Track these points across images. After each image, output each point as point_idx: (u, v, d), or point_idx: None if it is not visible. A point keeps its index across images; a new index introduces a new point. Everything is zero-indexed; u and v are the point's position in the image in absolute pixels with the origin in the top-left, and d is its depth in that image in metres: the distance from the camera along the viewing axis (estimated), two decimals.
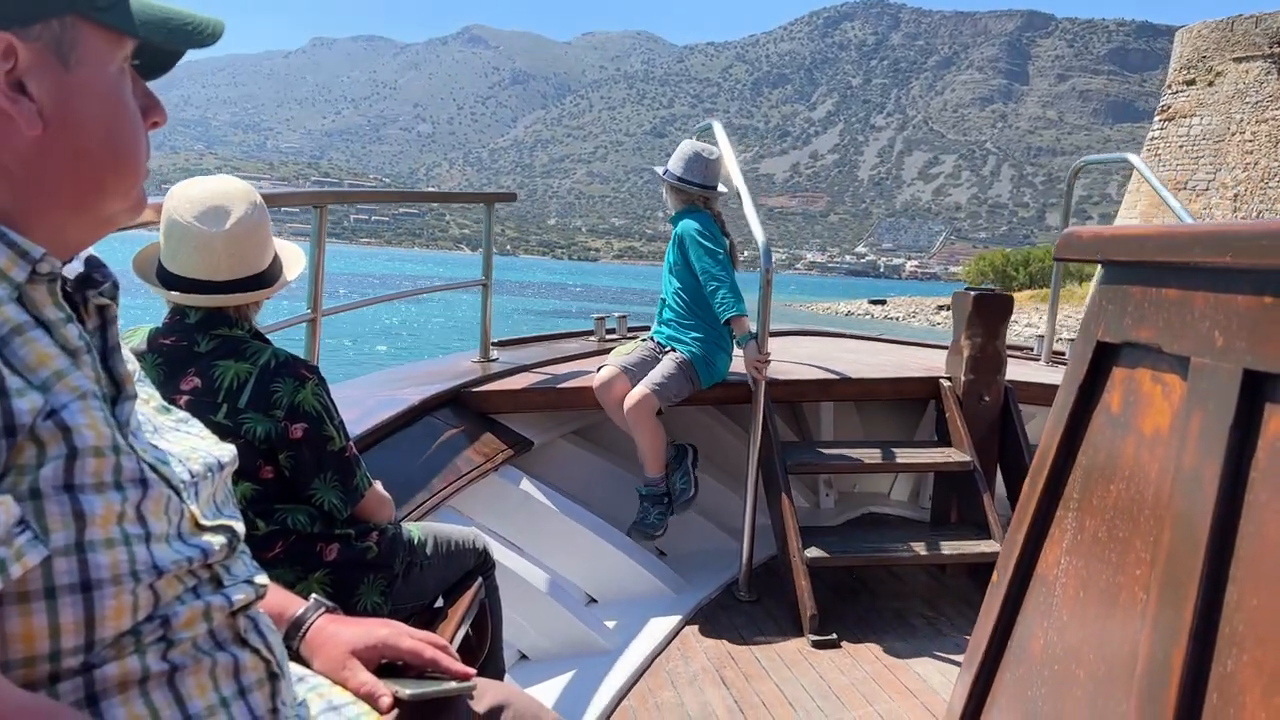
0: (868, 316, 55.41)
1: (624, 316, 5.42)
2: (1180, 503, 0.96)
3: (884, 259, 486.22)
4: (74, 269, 0.93)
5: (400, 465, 3.04)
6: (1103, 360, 1.19)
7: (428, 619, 2.11)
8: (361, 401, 3.29)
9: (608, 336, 5.26)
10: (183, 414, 1.10)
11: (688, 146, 4.05)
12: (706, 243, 3.82)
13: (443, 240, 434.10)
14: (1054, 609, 1.24)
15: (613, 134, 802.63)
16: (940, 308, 38.43)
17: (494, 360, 4.35)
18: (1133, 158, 5.04)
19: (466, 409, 3.72)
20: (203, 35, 0.91)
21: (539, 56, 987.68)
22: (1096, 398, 1.21)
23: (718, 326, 3.87)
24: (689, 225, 3.87)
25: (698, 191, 3.94)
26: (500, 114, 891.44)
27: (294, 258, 2.08)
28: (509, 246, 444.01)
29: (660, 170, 4.04)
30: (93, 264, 0.94)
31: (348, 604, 1.95)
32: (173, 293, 1.88)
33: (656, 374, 3.83)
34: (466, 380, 3.86)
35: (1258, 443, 0.89)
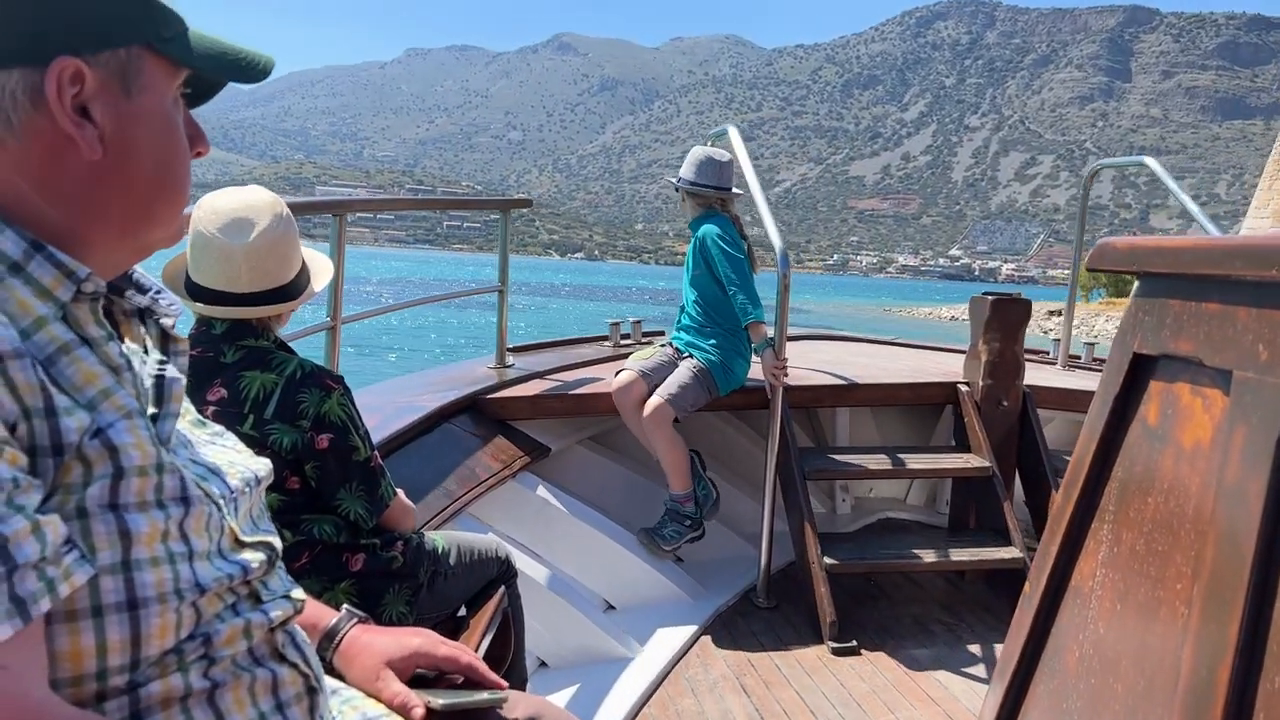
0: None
1: (639, 321, 5.40)
2: (1224, 517, 0.95)
3: (979, 262, 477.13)
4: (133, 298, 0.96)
5: (419, 472, 3.05)
6: (1139, 371, 1.18)
7: (451, 628, 2.11)
8: (379, 409, 3.28)
9: (623, 341, 5.24)
10: (217, 427, 1.10)
11: (699, 151, 4.05)
12: (727, 247, 3.81)
13: (532, 246, 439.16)
14: (1090, 621, 1.23)
15: (700, 139, 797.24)
16: (1051, 313, 37.18)
17: (510, 366, 4.34)
18: (1150, 161, 4.96)
19: (483, 415, 3.73)
20: (254, 70, 0.94)
21: (627, 63, 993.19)
22: (1133, 409, 1.20)
23: (737, 333, 3.85)
24: (710, 229, 3.86)
25: (714, 194, 3.94)
26: (589, 120, 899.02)
27: (322, 269, 2.07)
28: (596, 252, 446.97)
29: (674, 179, 4.04)
30: (147, 286, 0.98)
31: (373, 614, 1.94)
32: (198, 304, 1.89)
33: (673, 382, 3.81)
34: (483, 386, 3.85)
35: None
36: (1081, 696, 1.22)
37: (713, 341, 3.88)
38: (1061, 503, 1.30)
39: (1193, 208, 4.62)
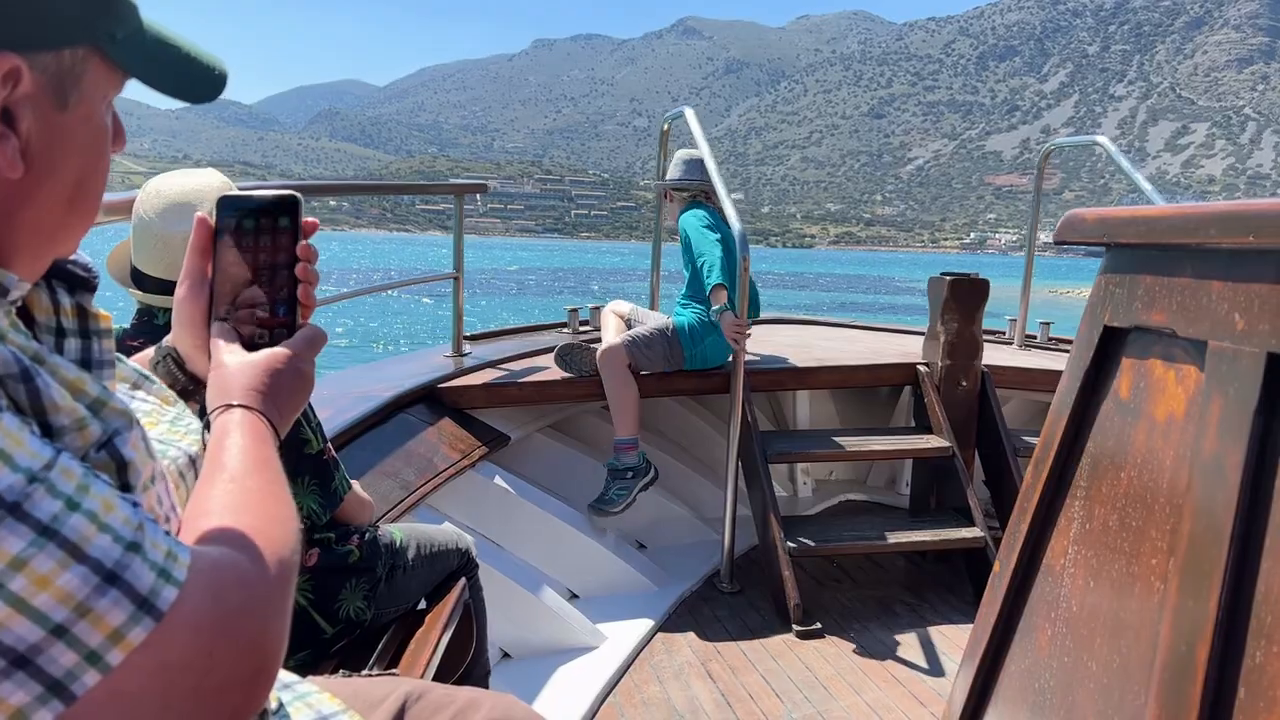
0: None
1: (599, 307, 5.24)
2: (1200, 491, 0.94)
3: None
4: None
5: (375, 464, 2.99)
6: (1110, 345, 1.17)
7: (411, 622, 2.07)
8: (333, 400, 3.21)
9: (581, 328, 5.20)
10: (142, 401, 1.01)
11: (680, 153, 4.28)
12: (701, 225, 3.94)
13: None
14: (1062, 600, 1.22)
15: (828, 117, 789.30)
16: None
17: (466, 354, 4.29)
18: (1102, 139, 5.06)
19: (441, 404, 3.67)
20: (203, 87, 0.83)
21: (752, 44, 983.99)
22: (1104, 384, 1.18)
23: (705, 317, 3.91)
24: (688, 216, 4.03)
25: (697, 186, 4.13)
26: (714, 104, 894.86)
27: None
28: None
29: (655, 183, 4.23)
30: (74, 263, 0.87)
31: (330, 610, 1.91)
32: (139, 291, 1.82)
33: (639, 331, 3.95)
34: (440, 375, 3.80)
35: None
36: (1055, 675, 1.21)
37: (691, 311, 3.96)
38: (1031, 480, 1.29)
39: (1146, 187, 4.61)
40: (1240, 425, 0.89)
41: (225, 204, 0.98)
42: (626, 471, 3.83)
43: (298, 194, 0.98)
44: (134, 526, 0.65)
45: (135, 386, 0.97)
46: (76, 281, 0.85)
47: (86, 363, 0.82)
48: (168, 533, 0.68)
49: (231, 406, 0.91)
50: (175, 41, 0.81)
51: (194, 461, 0.94)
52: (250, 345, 0.97)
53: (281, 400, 0.95)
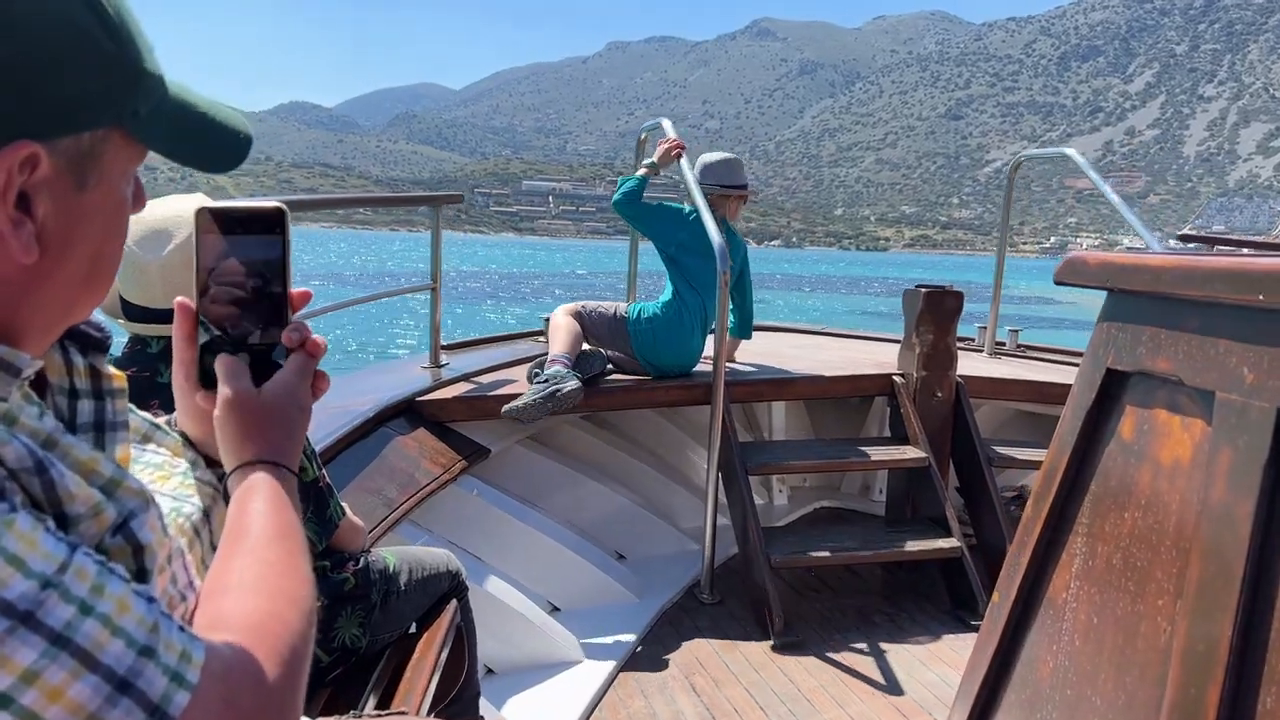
0: None
1: None
2: (1209, 536, 0.95)
3: None
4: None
5: (357, 480, 2.97)
6: (1111, 387, 1.18)
7: (405, 647, 2.06)
8: (311, 416, 3.00)
9: None
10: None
11: (703, 159, 4.33)
12: (676, 208, 4.10)
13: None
14: (1064, 633, 1.22)
15: (904, 119, 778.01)
16: None
17: (444, 365, 4.25)
18: (1071, 152, 5.06)
19: (420, 418, 3.64)
20: (225, 157, 0.81)
21: (827, 45, 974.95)
22: (1106, 424, 1.19)
23: (675, 306, 3.99)
24: (672, 207, 4.17)
25: (710, 191, 4.15)
26: (787, 105, 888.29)
27: None
28: (794, 239, 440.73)
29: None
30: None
31: (326, 638, 1.89)
32: (127, 321, 1.80)
33: (595, 303, 4.10)
34: (418, 388, 3.76)
35: None
36: (1057, 708, 1.21)
37: (650, 304, 4.06)
38: (1032, 514, 1.30)
39: (1114, 198, 4.62)
40: (1250, 476, 0.90)
41: (205, 216, 0.91)
42: (546, 380, 3.69)
43: (284, 206, 0.92)
44: (148, 628, 0.63)
45: (146, 439, 0.95)
46: (90, 342, 0.83)
47: (100, 424, 0.81)
48: (183, 627, 0.66)
49: (249, 465, 0.88)
50: (200, 107, 0.79)
51: (208, 516, 0.92)
52: (232, 342, 0.92)
53: (293, 442, 0.93)
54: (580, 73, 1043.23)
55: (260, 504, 0.85)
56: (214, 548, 0.88)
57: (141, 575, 0.71)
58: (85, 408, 0.81)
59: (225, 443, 0.90)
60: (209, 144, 0.80)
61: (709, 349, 4.19)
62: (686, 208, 4.08)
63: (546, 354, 3.90)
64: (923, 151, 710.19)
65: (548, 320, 4.96)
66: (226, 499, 0.89)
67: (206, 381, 0.92)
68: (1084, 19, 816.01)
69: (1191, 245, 4.73)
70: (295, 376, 0.93)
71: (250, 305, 0.91)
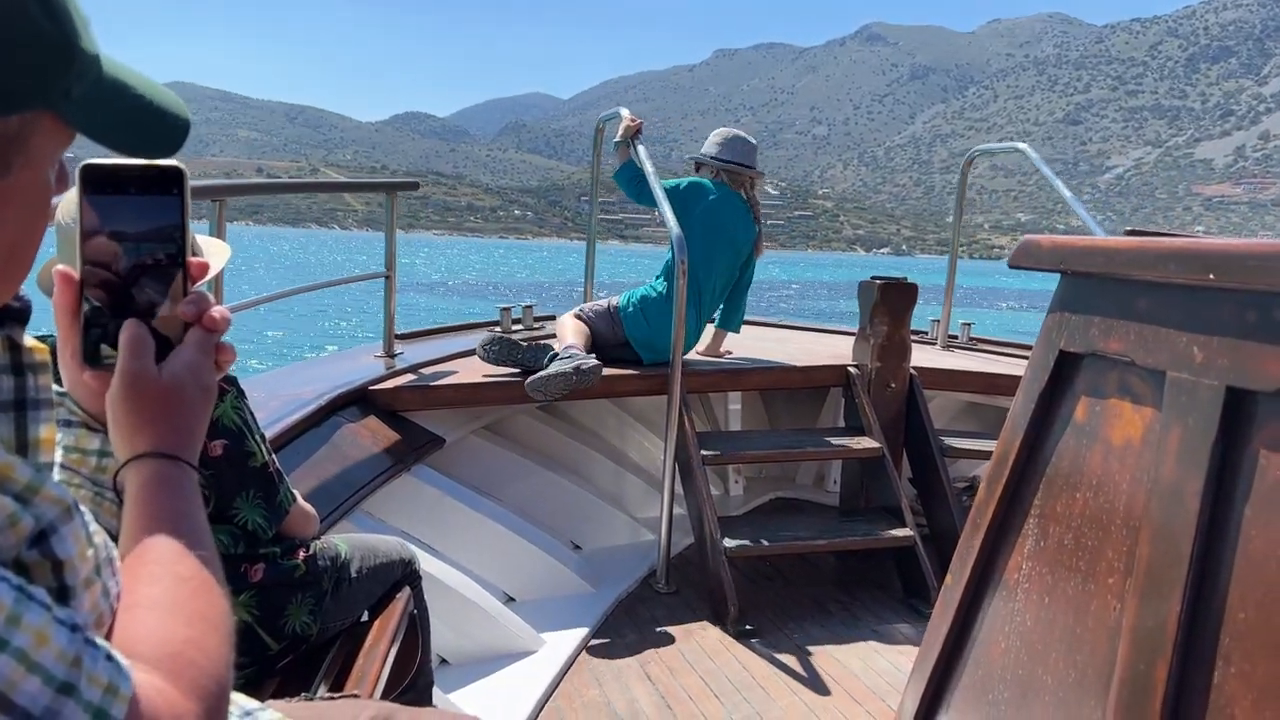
0: None
1: (530, 306, 5.32)
2: (1159, 515, 0.96)
3: None
4: None
5: (308, 469, 2.93)
6: (1064, 369, 1.19)
7: (356, 635, 2.03)
8: (262, 404, 3.09)
9: (514, 327, 5.15)
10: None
11: (721, 131, 4.36)
12: (676, 184, 4.13)
13: (836, 242, 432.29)
14: (1016, 613, 1.24)
15: (1019, 124, 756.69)
16: None
17: (398, 354, 4.22)
18: (1024, 147, 5.14)
19: (374, 407, 3.60)
20: (162, 141, 0.76)
21: (940, 49, 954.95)
22: (1058, 406, 1.20)
23: (663, 293, 3.99)
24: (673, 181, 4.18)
25: (716, 164, 4.25)
26: (897, 111, 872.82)
27: (217, 252, 1.90)
28: (904, 246, 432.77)
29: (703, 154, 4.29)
30: None
31: (275, 626, 1.86)
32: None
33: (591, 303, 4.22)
34: (372, 377, 3.73)
35: (1241, 459, 0.89)
36: (1009, 687, 1.22)
37: (642, 289, 4.09)
38: (985, 496, 1.31)
39: (1066, 194, 4.66)
40: (1199, 454, 0.91)
41: (91, 174, 0.80)
42: (569, 358, 3.74)
43: (181, 166, 0.82)
44: (69, 661, 0.57)
45: (57, 406, 0.88)
46: (7, 312, 0.74)
47: (21, 403, 0.73)
48: (111, 654, 0.61)
49: (147, 457, 0.80)
50: (136, 88, 0.73)
51: None
52: (117, 315, 0.82)
53: (196, 431, 0.84)
54: (687, 80, 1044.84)
55: (166, 506, 0.78)
56: None
57: (63, 593, 0.65)
58: (4, 385, 0.72)
59: (119, 429, 0.82)
60: (144, 129, 0.74)
61: (702, 345, 4.30)
62: (708, 182, 4.15)
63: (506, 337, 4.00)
64: (1040, 157, 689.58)
65: (529, 309, 5.22)
66: (119, 498, 0.81)
67: (91, 359, 0.83)
68: (1215, 19, 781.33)
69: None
70: (197, 353, 0.83)
71: (141, 274, 0.82)
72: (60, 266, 0.83)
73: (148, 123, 0.74)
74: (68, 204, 1.66)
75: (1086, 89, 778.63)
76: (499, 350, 3.87)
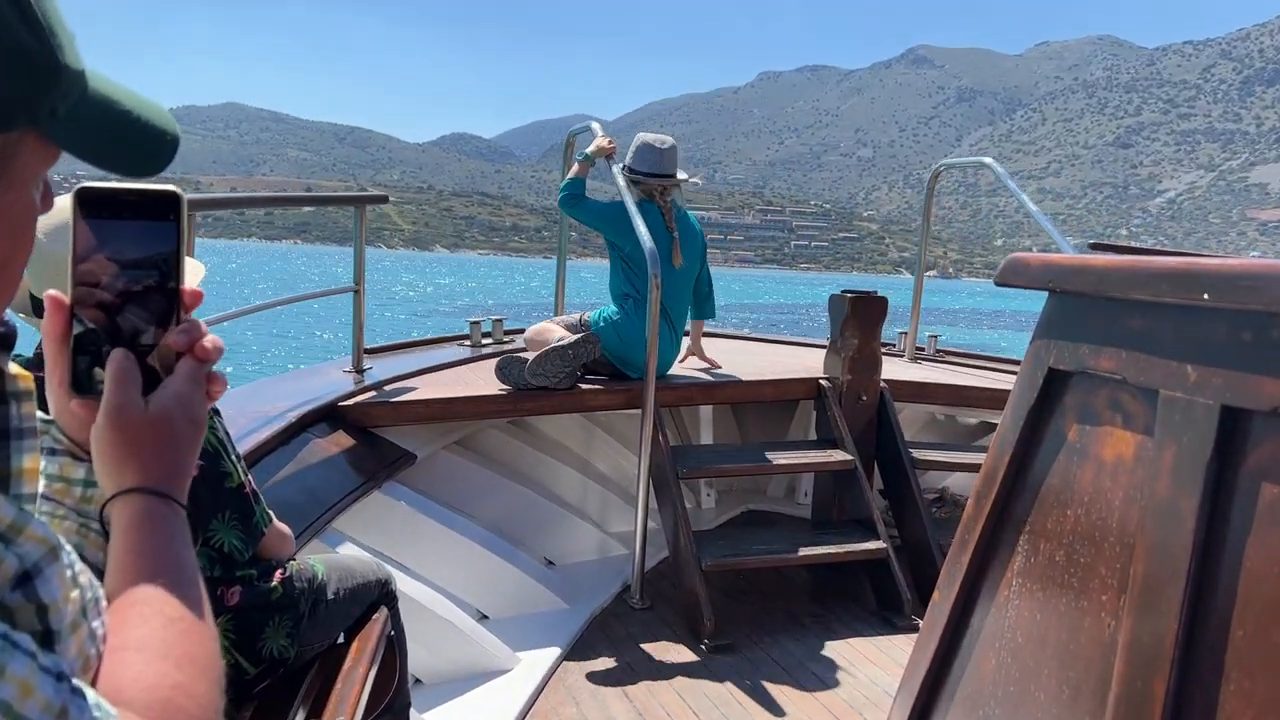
0: None
1: (500, 320, 5.33)
2: (1155, 532, 0.96)
3: None
4: None
5: (278, 487, 2.90)
6: (1054, 386, 1.19)
7: (334, 658, 2.00)
8: (232, 420, 3.06)
9: (484, 341, 5.15)
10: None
11: (639, 137, 4.22)
12: (622, 206, 3.98)
13: (881, 265, 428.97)
14: (1006, 630, 1.23)
15: (1068, 147, 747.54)
16: None
17: (367, 370, 4.17)
18: (989, 161, 5.28)
19: (344, 423, 3.56)
20: (150, 160, 0.73)
21: (987, 72, 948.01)
22: (1048, 423, 1.20)
23: (631, 304, 3.98)
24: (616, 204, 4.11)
25: (648, 181, 4.12)
26: (943, 133, 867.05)
27: (190, 270, 1.82)
28: (950, 269, 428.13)
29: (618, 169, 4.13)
30: None
31: (252, 649, 1.83)
32: (35, 319, 1.70)
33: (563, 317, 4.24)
34: (341, 393, 3.67)
35: (1237, 477, 0.89)
36: (1001, 704, 1.22)
37: (607, 309, 4.07)
38: (973, 512, 1.31)
39: (1032, 208, 4.79)
40: (1194, 472, 0.91)
41: (86, 197, 0.79)
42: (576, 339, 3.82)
43: (179, 191, 0.80)
44: (55, 713, 0.55)
45: (40, 435, 0.83)
46: None
47: (4, 432, 0.71)
48: (99, 705, 0.58)
49: (133, 493, 0.76)
50: (123, 104, 0.71)
51: None
52: (109, 343, 0.79)
53: (184, 466, 0.80)
54: (731, 103, 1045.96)
55: (153, 544, 0.74)
56: None
57: (48, 637, 0.62)
58: None
59: (104, 462, 0.78)
60: (131, 146, 0.72)
61: (682, 351, 4.30)
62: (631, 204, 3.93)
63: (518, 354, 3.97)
64: (1089, 181, 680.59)
65: (499, 322, 5.27)
66: (105, 532, 0.78)
67: (80, 386, 0.80)
68: (1270, 41, 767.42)
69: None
70: (187, 385, 0.80)
71: (134, 301, 0.80)
72: (51, 291, 0.81)
73: (135, 140, 0.72)
74: (44, 220, 1.59)
75: (1137, 112, 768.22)
76: (550, 365, 3.78)
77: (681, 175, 4.19)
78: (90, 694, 0.58)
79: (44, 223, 1.54)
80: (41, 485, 0.82)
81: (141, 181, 0.72)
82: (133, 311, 0.79)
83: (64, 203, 1.63)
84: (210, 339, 0.82)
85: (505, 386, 3.89)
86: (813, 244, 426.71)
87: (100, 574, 0.73)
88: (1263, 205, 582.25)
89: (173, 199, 0.79)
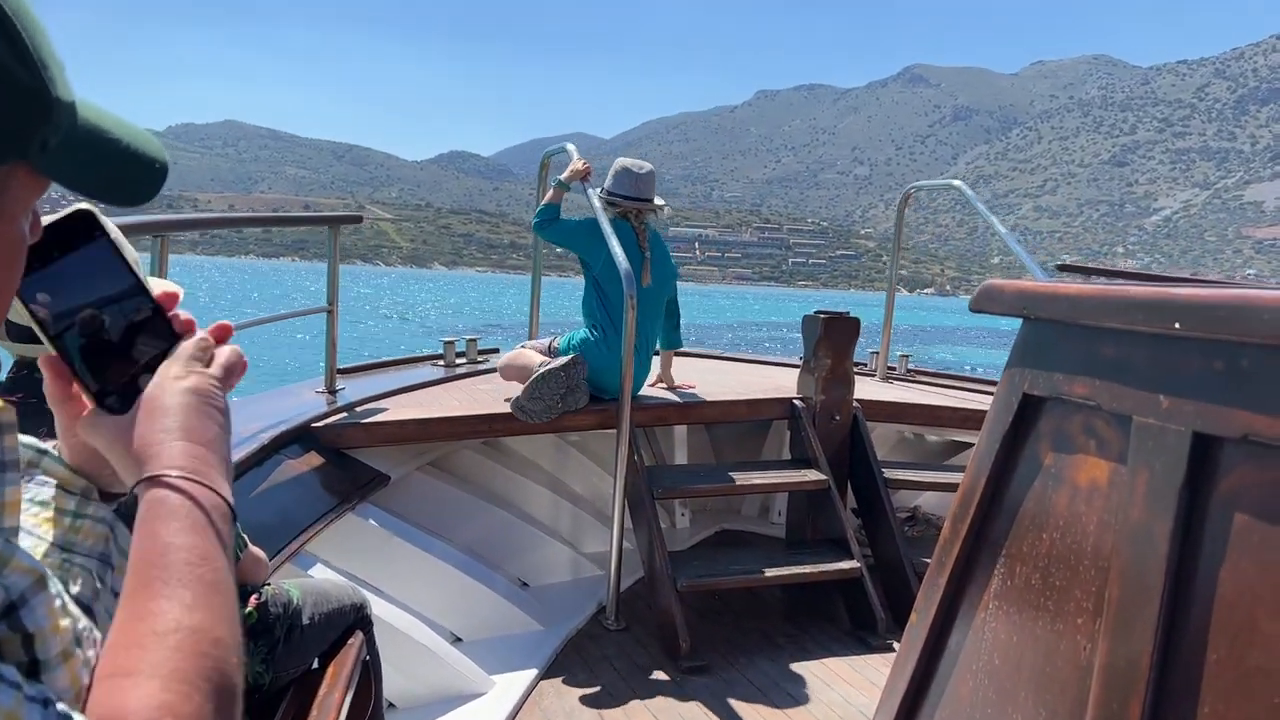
0: None
1: (474, 340, 5.29)
2: (1129, 556, 0.97)
3: None
4: None
5: (251, 509, 2.87)
6: (1028, 411, 1.19)
7: (309, 683, 1.98)
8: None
9: (458, 361, 5.12)
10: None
11: (617, 162, 4.24)
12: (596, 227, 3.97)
13: (879, 282, 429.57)
14: (983, 653, 1.23)
15: (1064, 165, 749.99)
16: None
17: (340, 390, 4.14)
18: (957, 183, 5.29)
19: (317, 444, 3.53)
20: (134, 193, 0.71)
21: (982, 90, 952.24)
22: (1022, 447, 1.21)
23: (601, 328, 3.98)
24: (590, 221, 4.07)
25: (625, 203, 4.13)
26: (940, 152, 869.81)
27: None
28: (948, 287, 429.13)
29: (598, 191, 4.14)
30: None
31: None
32: (13, 343, 1.68)
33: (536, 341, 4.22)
34: (314, 414, 3.64)
35: (1209, 503, 0.90)
36: None
37: (580, 332, 4.06)
38: (949, 535, 1.31)
39: (1001, 231, 4.77)
40: (1167, 498, 0.92)
41: None
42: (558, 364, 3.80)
43: (88, 208, 0.78)
44: None
45: (32, 465, 0.83)
46: None
47: None
48: None
49: (164, 481, 0.70)
50: (113, 133, 0.70)
51: (107, 560, 0.80)
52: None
53: (224, 452, 0.75)
54: (728, 121, 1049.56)
55: (181, 540, 0.67)
56: (115, 595, 0.72)
57: (34, 667, 0.60)
58: None
59: (122, 457, 0.75)
60: (121, 176, 0.71)
61: (652, 376, 4.27)
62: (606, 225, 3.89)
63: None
64: (1085, 199, 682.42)
65: (473, 341, 5.20)
66: (129, 520, 0.73)
67: (108, 403, 0.78)
68: (1264, 60, 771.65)
69: (1068, 276, 5.29)
70: (188, 366, 0.78)
71: (119, 323, 0.78)
72: (45, 356, 0.78)
73: (124, 169, 0.71)
74: None
75: (1132, 130, 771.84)
76: (545, 388, 3.77)
77: (659, 202, 4.20)
78: (79, 718, 0.56)
79: None
80: (30, 516, 0.79)
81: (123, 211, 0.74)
82: (122, 333, 0.77)
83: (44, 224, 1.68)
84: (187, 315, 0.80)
85: (479, 407, 3.88)
86: (810, 261, 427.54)
87: (84, 607, 0.71)
88: (1258, 223, 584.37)
89: (87, 217, 0.77)
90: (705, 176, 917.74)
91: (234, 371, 0.81)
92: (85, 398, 0.78)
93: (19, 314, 1.60)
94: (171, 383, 0.76)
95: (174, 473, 0.69)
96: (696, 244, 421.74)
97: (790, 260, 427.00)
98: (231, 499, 0.72)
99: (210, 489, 0.71)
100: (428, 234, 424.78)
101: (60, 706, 0.55)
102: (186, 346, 0.78)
